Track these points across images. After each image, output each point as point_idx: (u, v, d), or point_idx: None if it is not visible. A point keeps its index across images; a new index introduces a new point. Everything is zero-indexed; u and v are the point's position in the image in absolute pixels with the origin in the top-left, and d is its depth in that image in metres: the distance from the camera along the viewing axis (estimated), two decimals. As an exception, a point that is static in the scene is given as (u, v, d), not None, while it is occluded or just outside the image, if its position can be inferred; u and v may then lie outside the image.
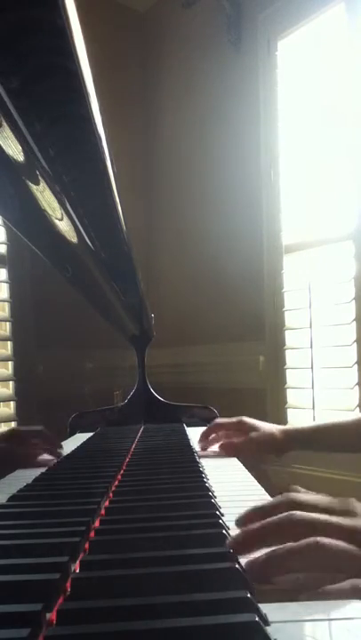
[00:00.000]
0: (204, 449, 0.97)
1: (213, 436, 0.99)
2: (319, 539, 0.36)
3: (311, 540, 0.36)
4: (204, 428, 1.18)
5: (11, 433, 0.95)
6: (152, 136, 2.65)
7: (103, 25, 2.37)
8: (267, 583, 0.36)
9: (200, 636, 0.27)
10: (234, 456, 0.91)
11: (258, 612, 0.29)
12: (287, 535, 0.38)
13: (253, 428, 0.98)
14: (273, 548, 0.37)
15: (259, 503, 0.44)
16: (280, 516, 0.39)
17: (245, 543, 0.39)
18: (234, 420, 1.01)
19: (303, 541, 0.36)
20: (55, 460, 0.87)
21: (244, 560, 0.38)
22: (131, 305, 1.07)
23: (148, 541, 0.41)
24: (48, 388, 2.10)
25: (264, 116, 2.03)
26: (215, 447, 0.97)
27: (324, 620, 0.32)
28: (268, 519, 0.40)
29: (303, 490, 0.48)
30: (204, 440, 0.99)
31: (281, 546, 0.37)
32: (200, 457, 0.83)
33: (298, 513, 0.39)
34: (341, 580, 0.35)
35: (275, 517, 0.39)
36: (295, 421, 1.90)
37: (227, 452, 0.93)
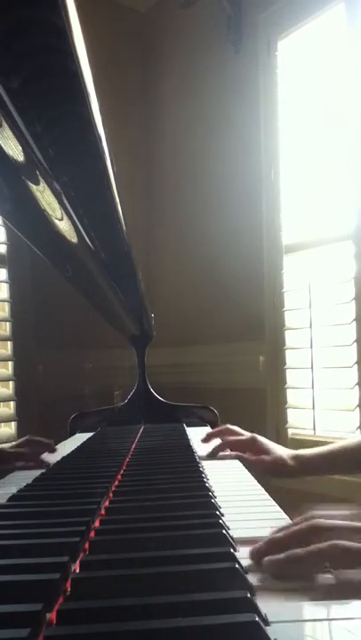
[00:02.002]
0: (213, 455, 0.94)
1: (222, 446, 0.97)
2: (339, 542, 0.39)
3: (331, 542, 0.39)
4: (204, 428, 1.18)
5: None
6: (152, 136, 2.65)
7: (103, 25, 2.37)
8: (284, 579, 0.38)
9: (200, 636, 0.27)
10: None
11: (258, 612, 0.29)
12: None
13: (265, 450, 0.95)
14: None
15: (275, 532, 0.44)
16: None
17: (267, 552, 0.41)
18: (246, 436, 0.99)
19: (324, 543, 0.39)
20: (52, 457, 0.87)
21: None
22: (131, 305, 1.07)
23: (149, 541, 0.41)
24: (48, 388, 2.10)
25: (264, 116, 2.03)
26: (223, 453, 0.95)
27: (324, 620, 0.32)
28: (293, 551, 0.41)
29: (320, 511, 0.47)
30: (210, 440, 0.98)
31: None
32: (200, 458, 0.83)
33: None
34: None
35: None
36: (295, 421, 1.90)
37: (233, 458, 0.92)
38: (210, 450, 0.95)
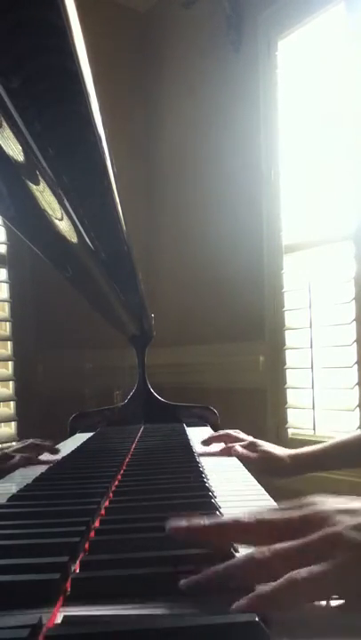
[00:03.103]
0: (206, 444, 0.98)
1: (220, 439, 1.00)
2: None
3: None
4: (204, 428, 1.18)
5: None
6: (152, 136, 2.65)
7: (103, 25, 2.37)
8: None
9: (200, 636, 0.27)
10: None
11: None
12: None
13: (264, 452, 0.98)
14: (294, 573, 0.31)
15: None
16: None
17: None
18: (246, 440, 1.01)
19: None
20: (55, 459, 0.87)
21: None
22: (131, 305, 1.07)
23: (148, 541, 0.41)
24: (48, 388, 2.10)
25: (264, 115, 2.03)
26: (217, 447, 0.97)
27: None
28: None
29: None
30: (211, 443, 0.99)
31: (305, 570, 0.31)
32: (200, 456, 0.83)
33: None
34: None
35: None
36: (295, 421, 1.90)
37: (228, 455, 0.93)
38: (211, 451, 0.96)
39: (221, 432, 1.05)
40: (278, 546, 0.33)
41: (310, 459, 0.99)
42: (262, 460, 0.95)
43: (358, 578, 0.31)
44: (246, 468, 0.83)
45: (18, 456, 0.89)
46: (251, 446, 0.98)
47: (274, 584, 0.30)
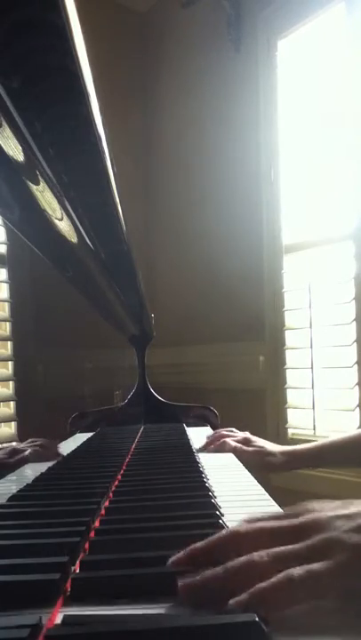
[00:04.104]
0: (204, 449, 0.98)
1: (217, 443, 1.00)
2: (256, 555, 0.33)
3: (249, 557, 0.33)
4: (204, 428, 1.19)
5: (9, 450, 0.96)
6: (152, 136, 2.65)
7: (103, 25, 2.37)
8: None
9: (200, 636, 0.27)
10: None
11: (258, 612, 0.29)
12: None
13: (257, 447, 1.01)
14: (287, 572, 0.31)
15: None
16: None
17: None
18: (240, 435, 1.03)
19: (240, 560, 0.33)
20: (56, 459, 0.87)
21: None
22: (131, 305, 1.07)
23: (149, 541, 0.41)
24: (48, 388, 2.10)
25: (264, 115, 2.03)
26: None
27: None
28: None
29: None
30: (207, 447, 1.00)
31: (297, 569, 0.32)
32: (200, 454, 0.83)
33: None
34: None
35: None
36: (295, 421, 1.90)
37: (223, 449, 0.95)
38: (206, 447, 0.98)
39: (214, 434, 1.05)
40: (277, 549, 0.34)
41: (303, 456, 1.01)
42: (256, 454, 0.97)
43: (355, 577, 0.31)
44: (242, 462, 0.84)
45: (28, 450, 0.90)
46: (245, 441, 1.01)
47: (271, 580, 0.31)
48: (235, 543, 0.36)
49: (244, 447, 0.98)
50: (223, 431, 1.06)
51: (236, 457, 0.90)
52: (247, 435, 1.04)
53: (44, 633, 0.27)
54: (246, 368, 2.09)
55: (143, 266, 2.18)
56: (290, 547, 0.34)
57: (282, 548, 0.34)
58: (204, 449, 0.98)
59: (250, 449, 0.98)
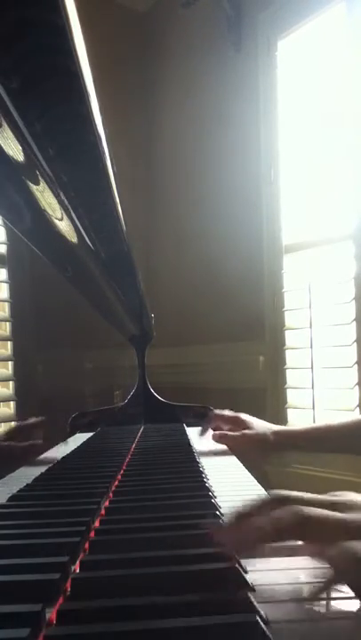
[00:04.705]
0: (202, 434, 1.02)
1: (211, 423, 1.04)
2: (304, 508, 0.37)
3: (296, 509, 0.37)
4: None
5: (12, 430, 0.97)
6: (152, 136, 2.65)
7: (103, 25, 2.37)
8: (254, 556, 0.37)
9: (200, 636, 0.27)
10: (224, 444, 0.95)
11: (258, 612, 0.29)
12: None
13: (248, 426, 1.01)
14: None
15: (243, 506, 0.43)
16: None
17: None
18: (232, 414, 1.05)
19: (287, 512, 0.37)
20: (53, 457, 0.87)
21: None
22: (131, 305, 1.07)
23: (149, 541, 0.41)
24: (48, 388, 2.09)
25: (264, 115, 2.03)
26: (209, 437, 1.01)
27: (323, 619, 0.32)
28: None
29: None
30: (205, 433, 1.03)
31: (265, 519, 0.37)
32: (199, 454, 0.83)
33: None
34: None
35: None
36: (295, 421, 1.90)
37: (217, 441, 0.97)
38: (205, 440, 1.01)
39: (209, 418, 1.08)
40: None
41: (297, 437, 1.01)
42: (244, 441, 0.98)
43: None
44: (231, 449, 0.85)
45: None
46: (234, 419, 1.02)
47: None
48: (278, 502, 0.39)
49: (230, 433, 0.98)
50: (216, 411, 1.07)
51: (225, 444, 0.93)
52: (239, 415, 1.04)
53: (44, 633, 0.27)
54: (246, 368, 2.09)
55: (143, 266, 2.18)
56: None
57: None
58: (203, 433, 1.02)
59: (236, 434, 0.99)
